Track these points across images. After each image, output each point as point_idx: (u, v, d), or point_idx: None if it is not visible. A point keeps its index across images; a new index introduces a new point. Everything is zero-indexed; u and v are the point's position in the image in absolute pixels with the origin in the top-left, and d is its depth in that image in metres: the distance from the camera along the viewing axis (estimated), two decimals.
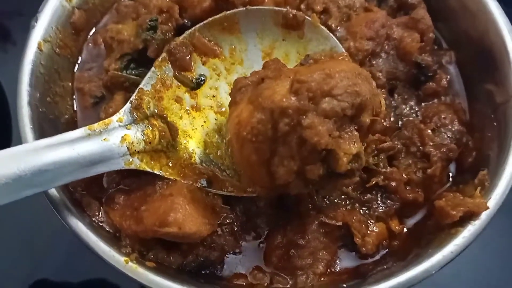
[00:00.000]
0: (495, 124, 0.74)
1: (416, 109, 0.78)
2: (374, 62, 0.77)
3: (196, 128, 0.73)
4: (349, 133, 0.55)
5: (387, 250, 0.71)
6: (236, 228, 0.69)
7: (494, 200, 0.64)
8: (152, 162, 0.68)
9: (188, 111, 0.73)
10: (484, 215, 0.63)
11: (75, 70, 0.82)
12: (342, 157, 0.54)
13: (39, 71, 0.74)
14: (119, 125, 0.67)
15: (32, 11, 0.78)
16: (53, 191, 0.65)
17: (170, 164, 0.69)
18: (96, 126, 0.65)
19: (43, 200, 0.64)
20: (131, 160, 0.66)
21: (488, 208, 0.63)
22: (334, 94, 0.52)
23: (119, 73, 0.77)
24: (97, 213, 0.66)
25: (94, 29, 0.85)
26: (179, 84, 0.74)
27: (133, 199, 0.67)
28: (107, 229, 0.66)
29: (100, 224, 0.66)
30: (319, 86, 0.52)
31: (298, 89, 0.53)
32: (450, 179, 0.75)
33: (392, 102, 0.77)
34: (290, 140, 0.54)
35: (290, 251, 0.67)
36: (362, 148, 0.57)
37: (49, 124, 0.73)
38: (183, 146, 0.71)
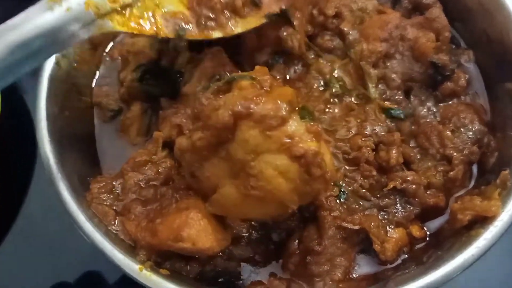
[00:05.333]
0: None
1: (434, 110, 0.76)
2: (388, 64, 0.76)
3: None
4: None
5: (407, 255, 0.69)
6: (253, 238, 0.69)
7: None
8: (123, 21, 0.66)
9: None
10: (507, 216, 0.60)
11: (94, 85, 0.84)
12: None
13: (57, 86, 0.76)
14: None
15: None
16: (69, 201, 0.66)
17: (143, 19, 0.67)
18: None
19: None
20: (101, 23, 0.64)
21: (497, 212, 0.61)
22: None
23: (135, 83, 0.78)
24: (113, 222, 0.67)
25: (112, 44, 0.87)
26: None
27: (149, 211, 0.67)
28: (122, 237, 0.66)
29: (116, 233, 0.66)
30: None
31: None
32: (473, 182, 0.73)
33: (409, 104, 0.76)
34: None
35: (307, 257, 0.66)
36: None
37: (67, 139, 0.75)
38: None
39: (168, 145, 0.72)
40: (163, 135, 0.72)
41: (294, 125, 0.55)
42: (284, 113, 0.54)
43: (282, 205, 0.57)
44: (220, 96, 0.57)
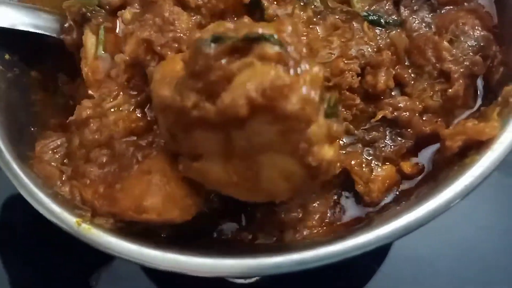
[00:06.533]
0: None
1: (429, 21, 0.63)
2: None
3: None
4: None
5: (397, 193, 0.59)
6: None
7: None
8: None
9: None
10: (508, 138, 0.48)
11: None
12: None
13: None
14: None
15: None
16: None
17: None
18: None
19: None
20: None
21: (493, 134, 0.49)
22: None
23: None
24: (58, 183, 0.58)
25: None
26: None
27: (107, 174, 0.58)
28: (77, 203, 0.58)
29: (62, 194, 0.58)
30: None
31: None
32: (479, 101, 0.60)
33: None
34: None
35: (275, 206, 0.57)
36: None
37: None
38: None
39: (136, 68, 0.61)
40: (126, 57, 0.60)
41: (317, 127, 0.44)
42: (313, 117, 0.43)
43: (273, 198, 0.49)
44: (235, 60, 0.43)
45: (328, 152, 0.45)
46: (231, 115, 0.41)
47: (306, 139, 0.43)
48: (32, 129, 0.64)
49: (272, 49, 0.41)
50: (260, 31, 0.42)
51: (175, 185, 0.53)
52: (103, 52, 0.64)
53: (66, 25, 0.67)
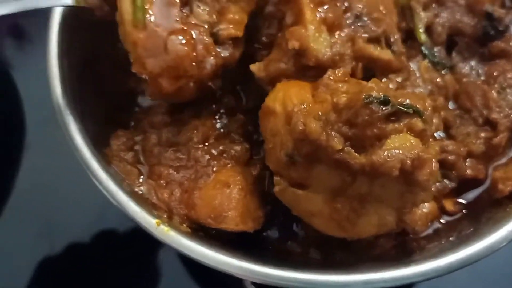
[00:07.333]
0: None
1: (478, 69, 0.69)
2: (436, 13, 0.68)
3: None
4: None
5: (439, 225, 0.65)
6: None
7: None
8: None
9: None
10: None
11: None
12: None
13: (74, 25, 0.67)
14: None
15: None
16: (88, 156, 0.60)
17: None
18: None
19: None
20: None
21: None
22: None
23: None
24: (137, 182, 0.62)
25: None
26: None
27: (183, 179, 0.61)
28: (154, 201, 0.61)
29: (141, 193, 0.61)
30: None
31: None
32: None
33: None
34: None
35: None
36: None
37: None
38: None
39: None
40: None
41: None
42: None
43: (355, 237, 0.54)
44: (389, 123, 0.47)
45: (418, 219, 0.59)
46: (383, 171, 0.46)
47: (415, 202, 0.50)
48: (103, 126, 0.66)
49: (420, 125, 0.47)
50: (417, 106, 0.48)
51: (250, 199, 0.59)
52: None
53: None
